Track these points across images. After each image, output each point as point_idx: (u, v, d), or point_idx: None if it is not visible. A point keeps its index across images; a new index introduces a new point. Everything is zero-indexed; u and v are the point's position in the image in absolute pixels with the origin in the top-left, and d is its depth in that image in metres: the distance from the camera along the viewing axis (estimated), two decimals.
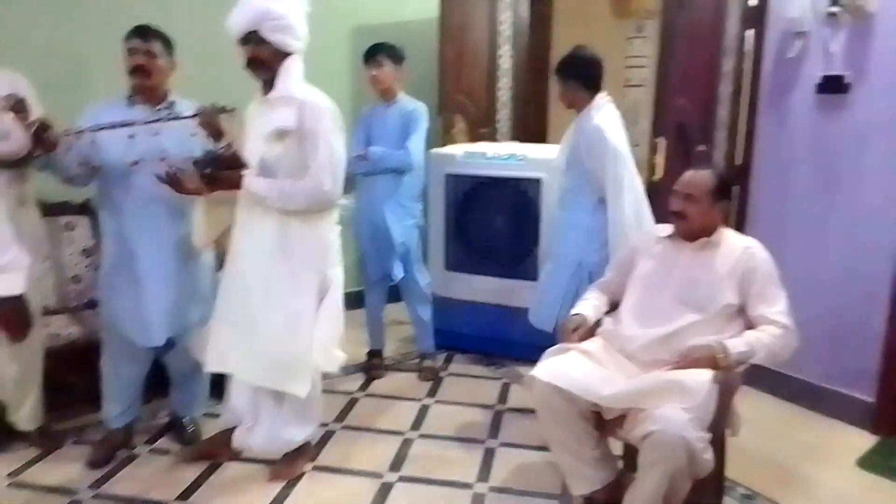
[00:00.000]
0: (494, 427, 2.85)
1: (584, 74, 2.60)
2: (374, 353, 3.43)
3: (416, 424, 2.87)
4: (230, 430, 2.48)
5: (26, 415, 2.59)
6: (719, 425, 1.97)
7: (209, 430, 2.67)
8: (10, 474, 2.43)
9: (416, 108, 3.17)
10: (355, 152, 3.07)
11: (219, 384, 2.59)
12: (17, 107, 2.24)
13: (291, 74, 2.25)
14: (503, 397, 3.13)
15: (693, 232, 2.18)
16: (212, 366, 2.38)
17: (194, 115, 2.31)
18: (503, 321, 3.45)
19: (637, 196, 2.57)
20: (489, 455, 2.62)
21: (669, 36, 3.17)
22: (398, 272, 3.23)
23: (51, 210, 2.88)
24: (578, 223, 2.65)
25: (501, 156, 3.48)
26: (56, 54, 3.05)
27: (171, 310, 2.46)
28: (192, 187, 2.26)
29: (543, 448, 2.38)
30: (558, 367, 2.07)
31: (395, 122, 3.15)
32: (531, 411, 2.23)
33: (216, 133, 2.32)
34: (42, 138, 2.22)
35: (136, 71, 2.37)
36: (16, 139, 2.23)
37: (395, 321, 3.83)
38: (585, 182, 2.61)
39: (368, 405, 3.06)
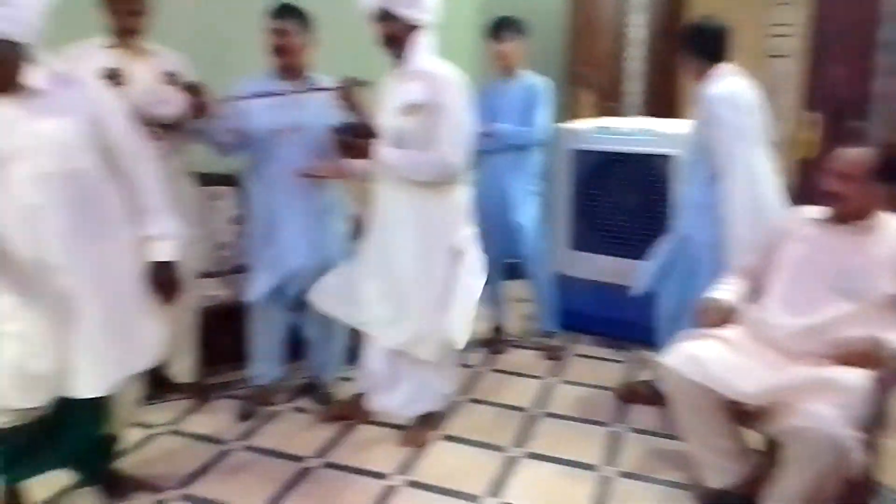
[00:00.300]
0: (621, 411, 2.81)
1: (702, 44, 2.49)
2: (496, 329, 3.47)
3: (541, 402, 2.88)
4: (363, 394, 2.61)
5: (183, 369, 2.84)
6: (873, 425, 1.85)
7: (344, 392, 2.82)
8: (169, 422, 2.68)
9: (541, 83, 3.13)
10: (479, 129, 3.07)
11: (353, 350, 2.72)
12: (174, 83, 2.45)
13: (421, 48, 2.29)
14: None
15: (848, 214, 2.03)
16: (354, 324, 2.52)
17: (334, 88, 2.43)
18: (629, 303, 3.37)
19: (756, 175, 2.38)
20: (615, 438, 2.60)
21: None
22: (520, 250, 3.23)
23: (202, 181, 3.09)
24: (691, 198, 2.56)
25: (630, 131, 3.37)
26: (205, 35, 3.24)
27: (305, 274, 2.60)
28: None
29: (674, 437, 2.33)
30: (694, 356, 2.00)
31: (517, 97, 3.12)
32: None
33: (352, 105, 2.44)
34: (198, 102, 2.40)
35: (275, 50, 2.51)
36: (175, 103, 2.45)
37: (516, 298, 3.84)
38: (701, 156, 2.50)
39: (492, 380, 3.11)
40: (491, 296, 3.41)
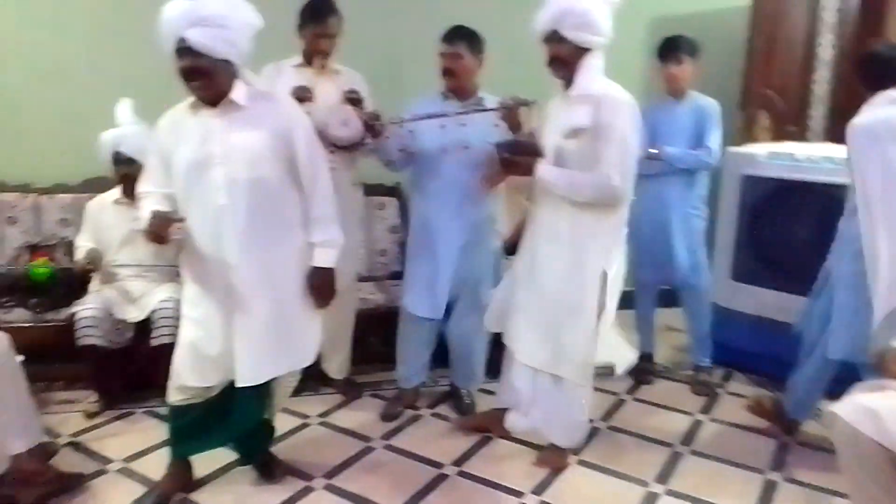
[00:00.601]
0: (778, 458, 2.59)
1: (864, 71, 2.36)
2: (645, 358, 3.34)
3: (687, 439, 2.74)
4: (503, 410, 2.63)
5: (336, 366, 3.03)
6: None
7: (484, 404, 2.86)
8: (320, 414, 2.87)
9: (711, 105, 2.98)
10: (645, 151, 2.98)
11: (495, 363, 2.75)
12: (355, 101, 2.62)
13: (591, 71, 2.26)
14: (790, 428, 2.83)
15: None
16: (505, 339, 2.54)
17: (497, 108, 2.48)
18: (794, 342, 3.10)
19: None
20: (770, 488, 2.40)
21: None
22: (677, 277, 3.09)
23: (367, 190, 3.29)
24: (840, 228, 2.43)
25: (812, 158, 3.11)
26: (382, 55, 3.46)
27: (456, 287, 2.67)
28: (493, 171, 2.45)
29: (840, 494, 2.10)
30: (871, 409, 1.79)
31: (686, 119, 2.99)
32: (825, 448, 1.98)
33: (515, 125, 2.49)
34: (373, 126, 2.55)
35: (445, 73, 2.61)
36: (354, 126, 2.63)
37: (667, 327, 3.68)
38: (852, 184, 2.30)
39: (636, 409, 3.00)
40: (642, 323, 3.30)
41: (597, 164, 2.22)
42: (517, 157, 2.39)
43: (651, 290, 3.23)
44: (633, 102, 2.26)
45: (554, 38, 2.25)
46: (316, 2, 2.66)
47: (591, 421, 2.75)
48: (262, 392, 2.18)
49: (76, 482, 2.29)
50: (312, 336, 2.19)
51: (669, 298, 3.29)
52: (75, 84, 3.31)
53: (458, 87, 2.63)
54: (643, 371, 3.28)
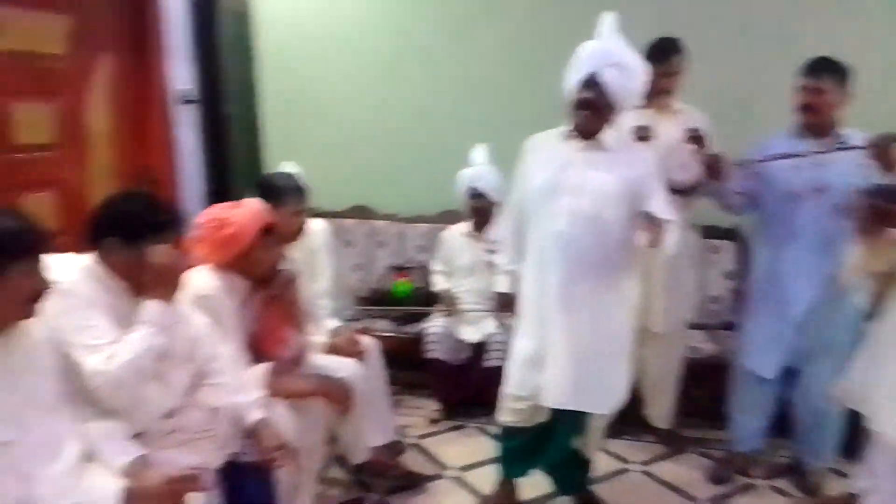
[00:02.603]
0: None
1: None
2: None
3: None
4: (857, 496, 2.23)
5: (659, 413, 2.90)
6: None
7: (834, 487, 2.48)
8: (642, 462, 2.78)
9: None
10: None
11: (853, 442, 2.36)
12: (697, 140, 2.51)
13: None
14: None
15: None
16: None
17: (865, 146, 2.16)
18: None
19: None
20: None
21: None
22: None
23: (702, 232, 3.12)
24: None
25: None
26: (727, 90, 3.27)
27: (806, 349, 2.37)
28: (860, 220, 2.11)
29: None
30: None
31: None
32: None
33: (889, 165, 2.12)
34: (714, 169, 2.43)
35: (804, 108, 2.36)
36: (692, 170, 2.53)
37: None
38: None
39: None
40: None
41: None
42: (892, 205, 2.03)
43: None
44: None
45: None
46: (661, 41, 2.64)
47: None
48: (578, 424, 2.20)
49: (419, 481, 2.58)
50: (617, 385, 2.15)
51: None
52: (439, 128, 3.77)
53: (818, 123, 2.36)
54: None
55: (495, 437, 2.51)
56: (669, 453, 2.84)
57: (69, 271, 1.63)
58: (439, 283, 3.24)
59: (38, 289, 1.43)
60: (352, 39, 3.75)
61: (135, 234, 1.67)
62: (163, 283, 1.70)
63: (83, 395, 1.59)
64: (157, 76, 3.11)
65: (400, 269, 3.57)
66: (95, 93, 2.86)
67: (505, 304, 2.37)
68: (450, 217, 3.52)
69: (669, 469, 2.72)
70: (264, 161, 3.84)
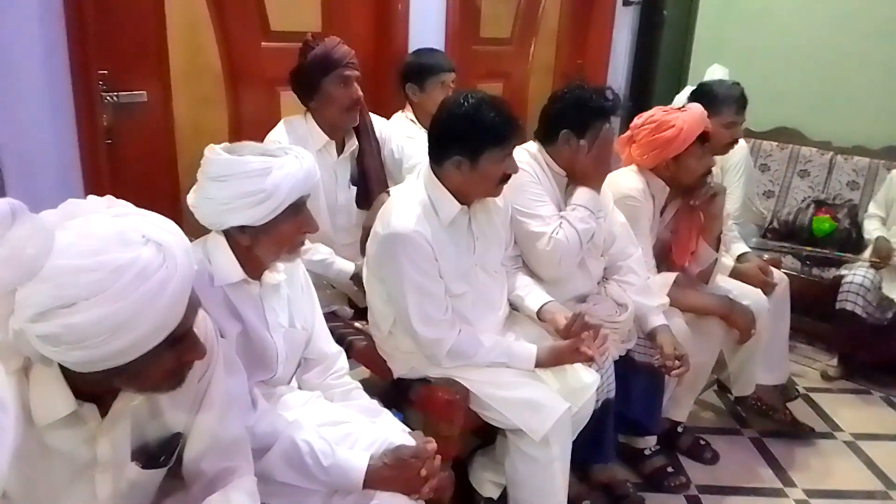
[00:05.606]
0: None
1: None
2: None
3: None
4: None
5: None
6: None
7: None
8: None
9: None
10: None
11: None
12: None
13: None
14: None
15: None
16: None
17: None
18: None
19: None
20: None
21: None
22: None
23: None
24: None
25: None
26: None
27: None
28: None
29: None
30: None
31: None
32: None
33: None
34: None
35: None
36: None
37: None
38: None
39: None
40: None
41: None
42: None
43: None
44: None
45: None
46: None
47: None
48: None
49: (806, 434, 2.37)
50: None
51: None
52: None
53: None
54: None
55: None
56: None
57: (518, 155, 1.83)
58: (873, 229, 2.78)
59: (507, 172, 1.62)
60: None
61: (584, 124, 1.78)
62: (596, 174, 1.82)
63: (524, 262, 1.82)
64: None
65: (822, 205, 3.16)
66: None
67: None
68: (894, 154, 2.98)
69: None
70: (690, 65, 3.68)
